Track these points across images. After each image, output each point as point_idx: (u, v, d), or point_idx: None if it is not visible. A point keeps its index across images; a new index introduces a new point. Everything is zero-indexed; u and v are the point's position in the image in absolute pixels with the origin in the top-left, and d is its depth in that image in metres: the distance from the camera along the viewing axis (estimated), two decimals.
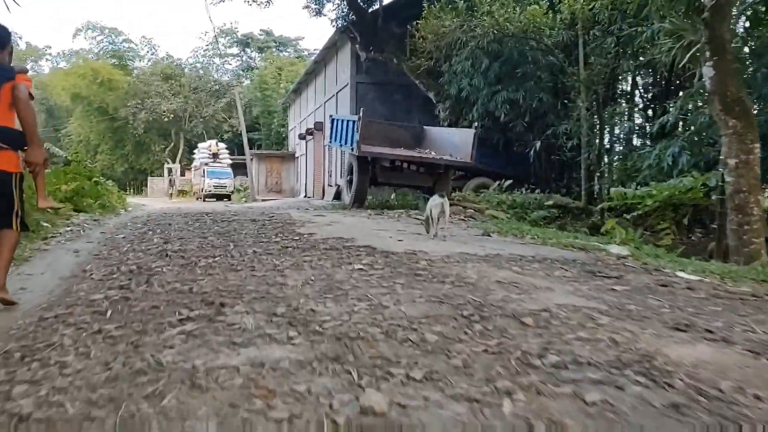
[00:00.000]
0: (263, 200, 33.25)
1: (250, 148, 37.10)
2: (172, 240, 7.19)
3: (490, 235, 7.73)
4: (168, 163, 55.94)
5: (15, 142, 3.70)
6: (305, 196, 33.14)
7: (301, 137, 33.85)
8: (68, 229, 9.25)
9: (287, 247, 5.90)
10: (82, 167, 16.98)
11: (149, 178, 57.75)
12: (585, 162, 15.92)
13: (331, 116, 15.56)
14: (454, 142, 13.26)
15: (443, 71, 18.91)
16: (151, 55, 63.67)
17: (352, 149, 12.78)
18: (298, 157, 37.44)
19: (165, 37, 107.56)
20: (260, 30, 64.71)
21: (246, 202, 34.88)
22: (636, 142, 15.69)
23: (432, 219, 6.97)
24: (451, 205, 13.33)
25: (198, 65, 59.57)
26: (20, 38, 73.76)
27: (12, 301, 3.78)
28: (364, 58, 21.88)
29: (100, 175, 19.90)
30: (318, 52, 27.17)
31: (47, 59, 71.97)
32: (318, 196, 29.40)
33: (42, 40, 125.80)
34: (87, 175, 16.65)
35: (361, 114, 12.47)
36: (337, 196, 24.27)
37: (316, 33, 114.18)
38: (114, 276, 4.76)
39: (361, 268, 4.58)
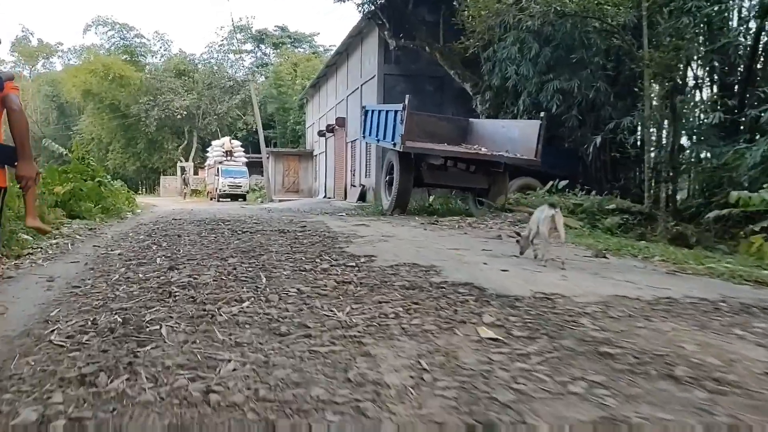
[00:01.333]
0: (280, 201, 31.47)
1: (266, 146, 35.31)
2: (180, 263, 5.35)
3: (606, 257, 5.82)
4: (181, 161, 54.36)
5: (3, 157, 3.43)
6: (325, 197, 31.32)
7: (321, 134, 32.03)
8: (54, 242, 7.45)
9: (346, 283, 4.03)
10: (83, 165, 15.21)
11: (162, 177, 56.23)
12: (650, 160, 13.93)
13: (364, 107, 13.69)
14: (512, 136, 11.33)
15: (484, 59, 17.00)
16: (164, 51, 62.22)
17: (394, 144, 10.93)
18: (316, 156, 35.63)
19: (178, 33, 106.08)
20: (275, 26, 63.15)
21: (262, 202, 33.12)
22: (712, 136, 13.65)
23: (540, 237, 5.08)
24: (502, 210, 11.47)
25: (212, 61, 57.88)
26: (32, 34, 72.79)
27: None
28: (394, 47, 19.98)
29: (104, 174, 18.17)
30: (340, 42, 25.29)
31: (59, 56, 70.60)
32: (339, 197, 27.55)
33: (53, 36, 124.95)
34: (89, 174, 14.90)
35: (406, 102, 10.58)
36: (362, 197, 22.44)
37: (331, 29, 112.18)
38: (85, 341, 2.93)
39: (496, 340, 2.70)
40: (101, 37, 59.32)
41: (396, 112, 11.00)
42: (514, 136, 11.26)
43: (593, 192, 14.02)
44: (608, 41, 14.20)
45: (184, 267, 5.07)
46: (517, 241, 5.67)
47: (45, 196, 9.38)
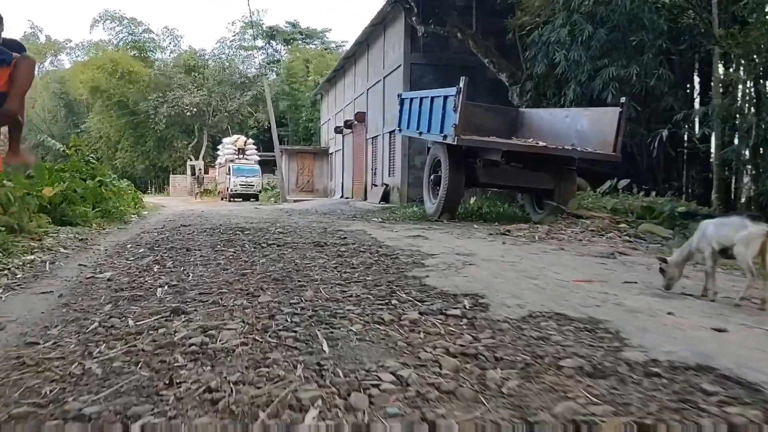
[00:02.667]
0: (295, 201, 29.87)
1: (281, 143, 33.68)
2: (188, 298, 3.75)
3: None
4: (190, 160, 52.91)
5: None
6: (342, 197, 29.68)
7: (338, 131, 30.39)
8: (29, 258, 5.83)
9: (469, 358, 2.34)
10: (82, 163, 13.64)
11: (171, 176, 54.82)
12: (719, 156, 12.18)
13: (400, 95, 12.01)
14: (580, 127, 9.56)
15: (528, 44, 15.31)
16: (174, 46, 60.77)
17: (444, 137, 9.24)
18: (332, 153, 34.01)
19: (188, 28, 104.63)
20: (286, 22, 61.46)
21: (276, 203, 31.53)
22: None
23: (742, 264, 3.40)
24: (563, 216, 9.76)
25: (223, 56, 56.36)
26: (41, 31, 71.56)
27: None
28: (422, 33, 18.31)
29: (108, 172, 16.62)
30: (361, 31, 23.61)
31: (67, 53, 69.31)
32: (358, 197, 25.91)
33: (61, 32, 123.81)
34: (89, 172, 13.33)
35: (462, 85, 8.86)
36: (385, 197, 20.78)
37: (343, 25, 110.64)
38: None
39: None
40: (109, 33, 57.95)
41: (446, 97, 9.30)
42: (583, 127, 9.50)
43: (653, 192, 12.30)
44: (676, 20, 12.45)
45: (195, 309, 3.42)
46: (662, 270, 3.98)
47: (28, 199, 7.76)
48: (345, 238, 6.68)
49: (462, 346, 2.51)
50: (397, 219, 10.99)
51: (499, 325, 2.86)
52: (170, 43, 59.47)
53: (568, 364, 2.25)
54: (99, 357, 2.65)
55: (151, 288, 4.25)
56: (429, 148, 11.84)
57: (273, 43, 62.88)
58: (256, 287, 4.03)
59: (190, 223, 10.59)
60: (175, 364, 2.45)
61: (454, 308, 3.19)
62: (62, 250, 6.55)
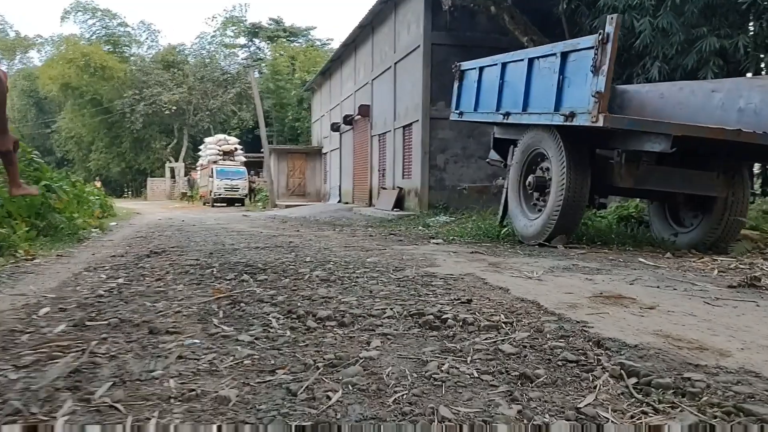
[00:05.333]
0: (286, 206, 26.64)
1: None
2: None
3: None
4: (170, 161, 49.42)
5: None
6: (339, 202, 26.50)
7: (334, 128, 27.20)
8: None
9: None
10: (24, 164, 10.37)
11: (149, 178, 51.27)
12: None
13: (458, 65, 8.70)
14: (747, 105, 6.41)
15: (592, 13, 12.32)
16: (151, 41, 57.18)
17: (567, 117, 5.93)
18: (326, 153, 30.80)
19: (165, 22, 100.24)
20: (269, 19, 58.15)
21: (264, 209, 28.28)
22: None
23: None
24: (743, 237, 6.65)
25: (203, 52, 52.86)
26: (10, 27, 67.59)
27: None
28: (448, 6, 15.22)
29: (64, 174, 13.33)
30: (367, 11, 20.47)
31: (38, 50, 65.30)
32: (361, 203, 22.75)
33: (29, 27, 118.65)
34: (31, 175, 10.07)
35: (611, 28, 5.60)
36: (399, 203, 17.66)
37: (329, 22, 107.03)
38: None
39: None
40: (81, 26, 54.28)
41: (566, 55, 6.05)
42: (754, 104, 6.36)
43: None
44: None
45: None
46: None
47: None
48: (432, 286, 3.41)
49: None
50: (455, 238, 7.86)
51: None
52: (147, 38, 55.95)
53: None
54: None
55: None
56: (495, 138, 8.69)
57: (256, 40, 59.54)
58: None
59: (163, 246, 7.36)
60: None
61: None
62: None
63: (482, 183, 15.39)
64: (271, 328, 2.87)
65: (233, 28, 55.92)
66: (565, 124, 5.93)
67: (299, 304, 3.31)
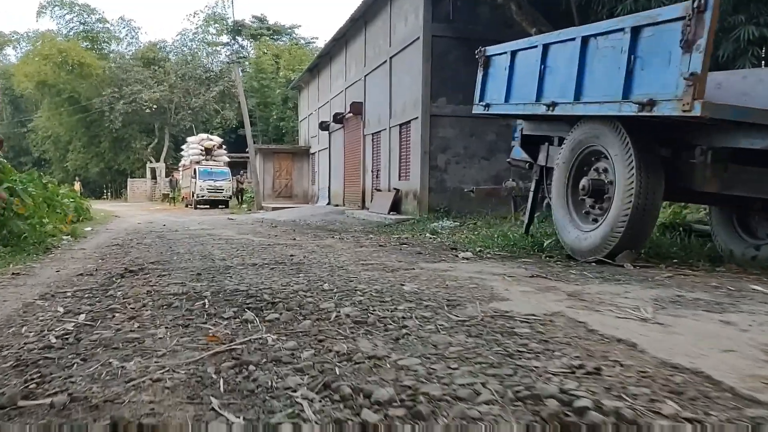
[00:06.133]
0: (273, 209, 25.48)
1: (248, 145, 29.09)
2: None
3: None
4: (150, 162, 47.92)
5: None
6: (329, 204, 25.39)
7: (323, 127, 26.09)
8: None
9: None
10: None
11: (129, 179, 49.69)
12: None
13: (483, 51, 7.58)
14: None
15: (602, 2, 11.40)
16: (131, 38, 55.53)
17: (643, 106, 4.72)
18: (314, 153, 29.66)
19: (146, 19, 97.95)
20: (252, 17, 56.81)
21: (249, 211, 27.09)
22: None
23: None
24: None
25: (185, 49, 51.37)
26: None
27: None
28: None
29: (31, 176, 12.10)
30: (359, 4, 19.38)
31: (13, 47, 63.27)
32: (352, 205, 21.68)
33: (7, 25, 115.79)
34: None
35: None
36: (395, 206, 16.63)
37: (313, 22, 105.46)
38: None
39: None
40: (58, 22, 52.40)
41: (637, 30, 4.99)
42: None
43: None
44: None
45: None
46: None
47: None
48: (575, 363, 2.37)
49: None
50: (484, 250, 6.78)
51: None
52: (127, 34, 54.23)
53: None
54: None
55: None
56: (521, 133, 7.59)
57: (239, 39, 58.18)
58: None
59: (141, 259, 6.25)
60: None
61: None
62: None
63: (487, 184, 14.37)
64: (304, 420, 1.81)
65: (216, 25, 54.49)
66: (638, 114, 4.87)
67: (337, 370, 2.24)
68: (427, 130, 15.14)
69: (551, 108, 6.04)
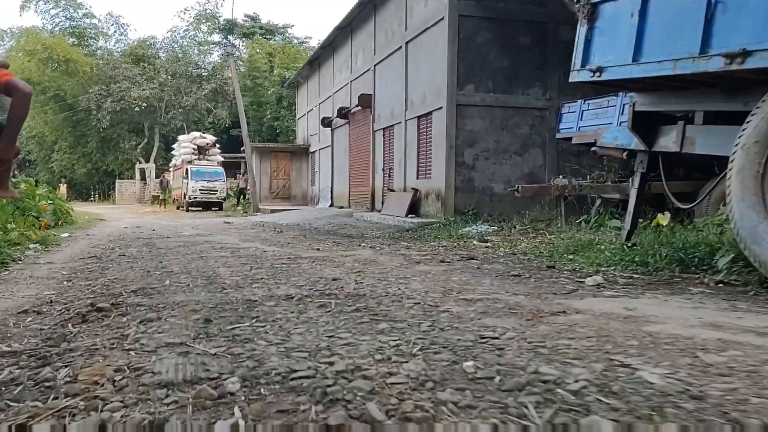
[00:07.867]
0: (272, 211, 23.62)
1: (242, 145, 27.20)
2: None
3: None
4: (140, 162, 45.88)
5: None
6: (332, 206, 23.58)
7: (325, 123, 24.24)
8: None
9: None
10: None
11: (117, 180, 47.58)
12: None
13: (588, 1, 5.66)
14: None
15: None
16: (120, 35, 53.46)
17: None
18: (314, 152, 27.80)
19: (134, 15, 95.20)
20: (245, 15, 54.92)
21: (246, 213, 25.23)
22: None
23: None
24: None
25: (175, 46, 49.34)
26: None
27: None
28: None
29: None
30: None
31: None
32: (359, 207, 19.85)
33: None
34: None
35: None
36: (413, 208, 14.84)
37: (307, 22, 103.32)
38: None
39: None
40: (43, 17, 50.31)
41: None
42: None
43: None
44: None
45: None
46: None
47: None
48: None
49: None
50: (598, 270, 4.94)
51: None
52: (115, 31, 52.14)
53: None
54: None
55: None
56: (632, 110, 5.67)
57: (231, 38, 56.25)
58: None
59: (119, 284, 4.44)
60: None
61: None
62: None
63: (520, 183, 12.55)
64: None
65: (207, 23, 52.56)
66: None
67: None
68: (453, 122, 13.34)
69: (739, 59, 4.05)
